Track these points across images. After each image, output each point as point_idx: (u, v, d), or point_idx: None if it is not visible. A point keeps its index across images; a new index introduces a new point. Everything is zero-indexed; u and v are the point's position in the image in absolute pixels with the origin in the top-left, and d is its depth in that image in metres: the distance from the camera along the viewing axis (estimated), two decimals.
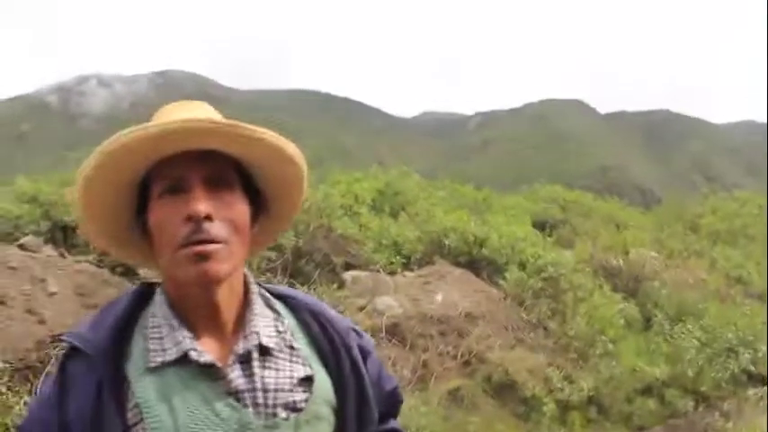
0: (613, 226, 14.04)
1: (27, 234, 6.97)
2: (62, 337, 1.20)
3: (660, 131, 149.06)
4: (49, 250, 6.80)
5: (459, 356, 6.90)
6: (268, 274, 6.60)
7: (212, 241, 1.13)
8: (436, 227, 9.22)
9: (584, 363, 7.52)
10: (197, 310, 1.19)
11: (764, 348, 8.42)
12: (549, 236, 11.30)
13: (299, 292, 1.38)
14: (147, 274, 5.69)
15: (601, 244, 10.64)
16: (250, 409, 1.15)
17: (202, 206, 1.12)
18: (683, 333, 8.41)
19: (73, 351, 1.17)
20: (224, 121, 1.16)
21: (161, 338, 1.17)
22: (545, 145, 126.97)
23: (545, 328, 7.86)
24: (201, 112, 1.23)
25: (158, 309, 1.20)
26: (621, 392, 7.41)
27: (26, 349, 5.23)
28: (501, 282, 8.31)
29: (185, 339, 1.16)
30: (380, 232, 8.85)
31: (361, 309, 7.18)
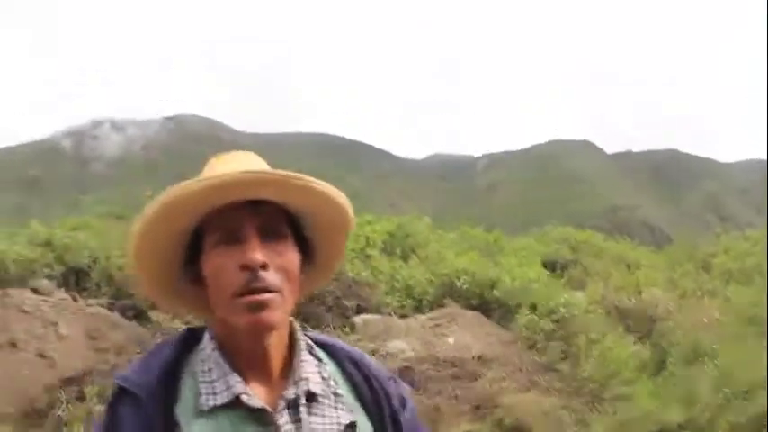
0: (624, 266, 13.97)
1: (41, 278, 7.02)
2: (115, 380, 1.21)
3: (667, 171, 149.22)
4: (61, 293, 6.85)
5: (472, 400, 6.84)
6: None
7: (267, 290, 1.16)
8: (447, 269, 9.22)
9: (597, 405, 7.42)
10: (247, 355, 1.22)
11: None
12: (561, 277, 11.27)
13: (339, 341, 1.42)
14: (158, 318, 5.73)
15: (612, 284, 10.59)
16: None
17: (258, 255, 1.15)
18: (698, 375, 8.30)
19: (122, 393, 1.19)
20: (277, 171, 1.19)
21: (212, 382, 1.19)
22: (553, 186, 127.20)
23: (557, 371, 7.78)
24: (253, 162, 1.28)
25: (209, 353, 1.22)
26: None
27: (34, 394, 5.23)
28: (512, 324, 8.26)
29: (237, 384, 1.18)
30: (391, 275, 8.85)
31: (373, 352, 7.14)
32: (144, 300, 6.33)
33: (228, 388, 1.17)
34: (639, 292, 10.32)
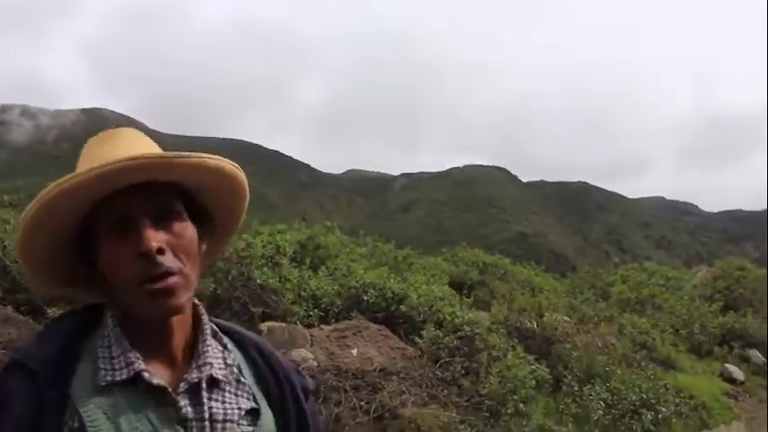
0: (529, 290, 14.39)
1: None
2: (8, 353, 1.19)
3: (577, 202, 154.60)
4: None
5: (371, 411, 6.87)
6: None
7: (168, 274, 1.14)
8: (356, 282, 9.25)
9: (495, 421, 7.60)
10: (149, 335, 1.20)
11: (665, 410, 8.75)
12: (467, 297, 11.48)
13: (244, 329, 1.41)
14: (55, 313, 5.51)
15: (516, 306, 10.86)
16: None
17: (153, 242, 1.13)
18: (590, 394, 8.63)
19: (13, 366, 1.14)
20: (167, 154, 1.17)
21: (111, 358, 1.16)
22: (467, 209, 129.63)
23: (459, 386, 7.92)
24: (134, 141, 1.25)
25: (109, 330, 1.20)
26: None
27: None
28: (417, 339, 8.37)
29: (137, 360, 1.16)
30: (300, 284, 8.81)
31: None
32: (41, 295, 6.10)
33: (128, 365, 1.15)
34: (541, 315, 10.62)
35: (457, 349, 8.24)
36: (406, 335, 8.70)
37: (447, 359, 8.10)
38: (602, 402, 8.47)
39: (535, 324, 10.23)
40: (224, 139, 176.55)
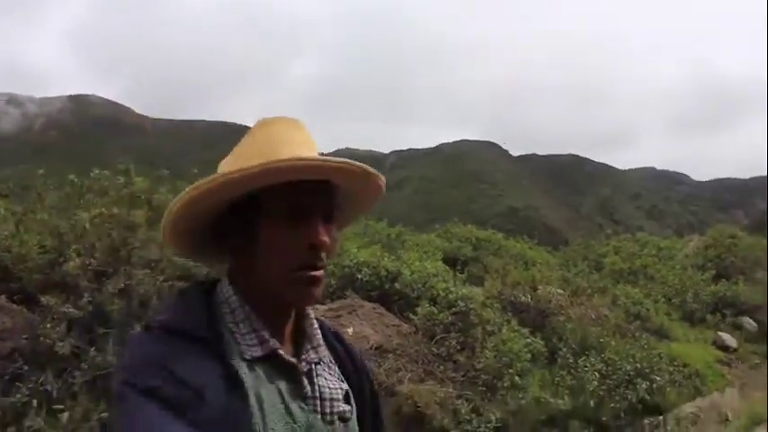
0: (522, 264, 14.43)
1: None
2: (167, 323, 1.19)
3: (568, 174, 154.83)
4: None
5: None
6: None
7: (322, 267, 1.25)
8: (349, 261, 9.25)
9: (491, 395, 7.65)
10: (273, 313, 1.28)
11: (659, 379, 8.84)
12: (461, 272, 11.51)
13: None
14: (49, 302, 5.47)
15: (510, 281, 10.90)
16: (318, 415, 1.26)
17: (326, 238, 1.23)
18: (585, 366, 8.70)
19: (172, 336, 1.17)
20: (357, 164, 1.26)
21: (244, 335, 1.23)
22: (459, 185, 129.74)
23: (454, 362, 7.96)
24: (306, 139, 1.30)
25: (235, 308, 1.25)
26: (527, 424, 7.58)
27: None
28: (412, 316, 8.39)
29: (271, 339, 1.24)
30: None
31: None
32: (34, 284, 6.05)
33: (262, 342, 1.22)
34: (535, 289, 10.67)
35: (452, 325, 8.27)
36: (401, 312, 8.73)
37: (442, 335, 8.13)
38: (596, 373, 8.54)
39: (529, 297, 10.28)
40: (213, 121, 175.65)
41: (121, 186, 7.30)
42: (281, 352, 1.23)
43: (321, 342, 1.33)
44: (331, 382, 1.32)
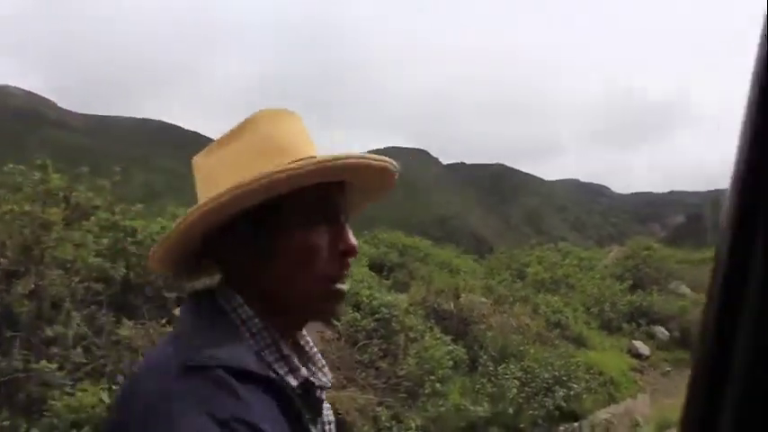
0: (447, 272, 14.59)
1: None
2: (225, 363, 0.96)
3: (496, 184, 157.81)
4: None
5: None
6: (93, 307, 6.24)
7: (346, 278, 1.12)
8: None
9: (413, 402, 7.69)
10: (287, 331, 1.12)
11: (576, 386, 9.07)
12: (386, 278, 11.54)
13: None
14: None
15: (434, 288, 11.00)
16: None
17: (356, 243, 1.11)
18: (505, 374, 8.86)
19: (234, 376, 0.95)
20: (386, 159, 1.14)
21: (274, 362, 1.06)
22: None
23: (377, 368, 7.97)
24: (305, 129, 1.18)
25: (260, 330, 1.06)
26: (447, 431, 7.66)
27: None
28: (335, 322, 8.36)
29: (302, 368, 1.08)
30: None
31: None
32: None
33: (293, 371, 1.06)
34: (458, 297, 10.80)
35: (374, 331, 8.28)
36: None
37: (365, 341, 8.13)
38: (516, 381, 8.71)
39: (452, 305, 10.40)
40: (141, 119, 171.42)
41: (37, 182, 7.01)
42: (312, 380, 1.09)
43: (324, 362, 1.19)
44: (325, 403, 1.18)
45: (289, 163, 1.05)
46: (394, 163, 1.17)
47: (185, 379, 0.92)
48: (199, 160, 1.19)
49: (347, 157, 1.07)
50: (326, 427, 1.16)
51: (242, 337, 1.04)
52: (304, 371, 1.07)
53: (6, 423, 4.89)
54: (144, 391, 0.95)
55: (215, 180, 1.09)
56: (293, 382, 1.05)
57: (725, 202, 0.65)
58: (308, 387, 1.08)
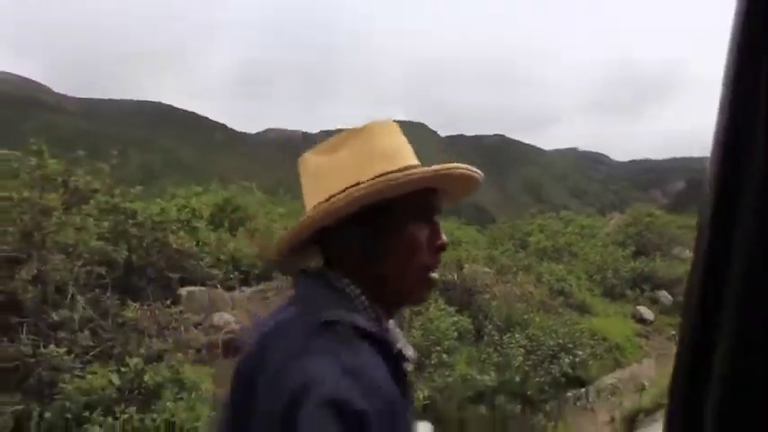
0: (450, 243, 14.58)
1: None
2: (349, 322, 1.13)
3: (495, 155, 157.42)
4: None
5: None
6: (97, 291, 6.25)
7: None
8: (275, 242, 9.15)
9: (419, 373, 7.73)
10: (388, 308, 1.28)
11: (581, 353, 9.11)
12: None
13: None
14: None
15: None
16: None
17: (446, 239, 1.29)
18: (511, 342, 8.89)
19: (350, 336, 1.12)
20: (478, 172, 1.31)
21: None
22: None
23: None
24: (405, 141, 1.34)
25: (367, 308, 1.23)
26: (454, 400, 7.70)
27: None
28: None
29: (397, 342, 1.26)
30: (218, 247, 8.64)
31: (197, 325, 6.97)
32: None
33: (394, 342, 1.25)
34: (461, 268, 10.81)
35: None
36: None
37: None
38: (521, 349, 8.74)
39: (456, 276, 10.40)
40: (138, 101, 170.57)
41: (34, 168, 6.98)
42: (404, 351, 1.26)
43: (407, 341, 1.33)
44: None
45: (398, 170, 1.23)
46: (481, 173, 1.33)
47: (317, 334, 1.10)
48: (307, 159, 1.33)
49: (456, 168, 1.25)
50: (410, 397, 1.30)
51: (357, 308, 1.20)
52: (399, 343, 1.25)
53: (20, 407, 4.92)
54: (280, 346, 1.11)
55: (328, 180, 1.26)
56: (394, 350, 1.21)
57: (708, 169, 0.64)
58: (400, 357, 1.24)
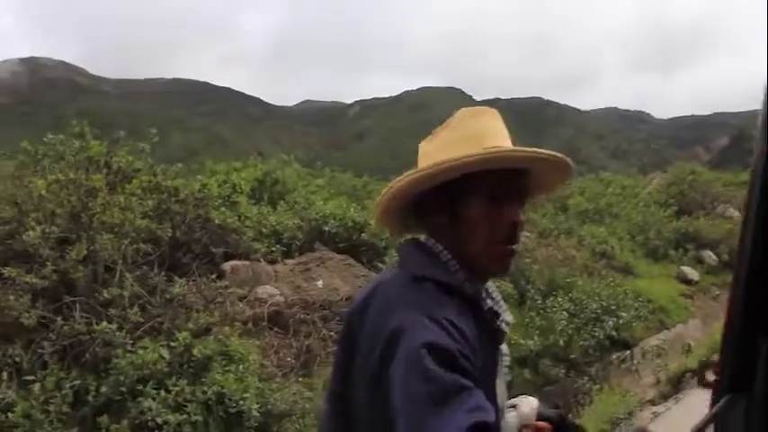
0: None
1: None
2: (439, 278, 1.32)
3: (532, 117, 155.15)
4: None
5: None
6: (144, 268, 6.40)
7: (516, 243, 1.42)
8: (316, 214, 9.22)
9: None
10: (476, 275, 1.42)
11: (625, 315, 9.05)
12: None
13: None
14: (9, 273, 5.38)
15: None
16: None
17: (523, 218, 1.41)
18: (554, 306, 8.86)
19: (440, 292, 1.28)
20: (564, 158, 1.43)
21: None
22: (423, 132, 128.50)
23: None
24: (504, 129, 1.48)
25: (457, 270, 1.38)
26: None
27: None
28: (381, 265, 8.43)
29: (488, 300, 1.43)
30: (260, 221, 8.74)
31: (242, 299, 7.09)
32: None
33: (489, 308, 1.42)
34: None
35: None
36: (370, 262, 8.76)
37: None
38: (565, 313, 8.72)
39: None
40: (173, 79, 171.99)
41: (78, 150, 7.13)
42: (496, 309, 1.42)
43: (506, 306, 1.47)
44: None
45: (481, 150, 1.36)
46: (568, 159, 1.45)
47: (409, 287, 1.30)
48: (422, 145, 1.52)
49: (521, 150, 1.38)
50: (503, 358, 1.46)
51: (448, 270, 1.37)
52: (489, 302, 1.42)
53: (77, 382, 5.10)
54: (382, 293, 1.33)
55: (428, 159, 1.43)
56: (484, 306, 1.39)
57: (759, 122, 0.63)
58: (491, 316, 1.41)
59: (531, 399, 1.52)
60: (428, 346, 1.14)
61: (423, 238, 1.44)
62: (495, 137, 1.43)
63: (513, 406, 1.48)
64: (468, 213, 1.38)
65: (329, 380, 1.43)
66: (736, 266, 0.71)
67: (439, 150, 1.42)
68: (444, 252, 1.39)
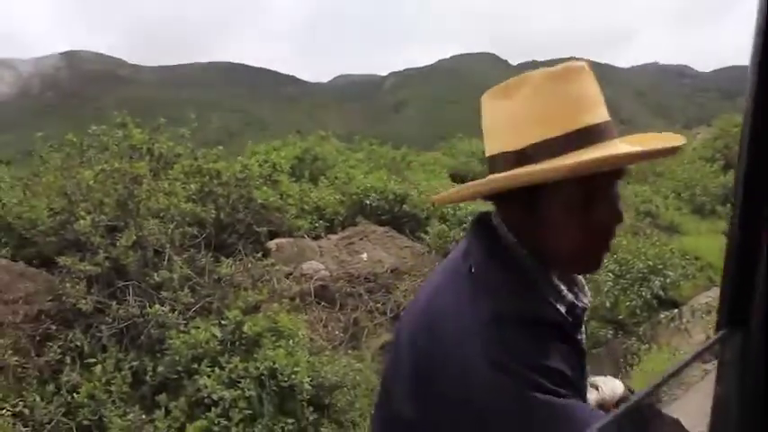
0: None
1: None
2: (521, 313, 1.12)
3: None
4: None
5: (388, 311, 7.06)
6: (192, 250, 6.55)
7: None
8: (356, 188, 9.29)
9: None
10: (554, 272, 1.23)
11: (672, 274, 8.94)
12: None
13: None
14: (66, 262, 5.57)
15: None
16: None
17: (624, 212, 1.21)
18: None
19: (528, 328, 1.11)
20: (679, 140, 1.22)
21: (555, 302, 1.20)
22: (460, 100, 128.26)
23: None
24: (599, 92, 1.24)
25: (528, 268, 1.19)
26: None
27: None
28: (423, 236, 8.47)
29: (568, 293, 1.21)
30: (301, 198, 8.86)
31: (289, 275, 7.22)
32: (49, 247, 6.14)
33: (561, 297, 1.20)
34: None
35: None
36: (412, 233, 8.81)
37: None
38: (611, 273, 8.65)
39: None
40: (208, 63, 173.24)
41: (121, 140, 7.31)
42: (575, 302, 1.21)
43: (584, 284, 1.32)
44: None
45: (588, 147, 1.12)
46: (677, 140, 1.22)
47: (488, 330, 1.08)
48: (490, 102, 1.25)
49: (643, 152, 1.17)
50: (582, 337, 1.25)
51: (523, 271, 1.17)
52: (570, 296, 1.20)
53: (135, 363, 5.30)
54: (453, 321, 1.13)
55: (517, 126, 1.17)
56: (562, 308, 1.17)
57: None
58: (572, 307, 1.21)
59: (617, 383, 1.44)
60: (537, 386, 1.03)
61: (496, 222, 1.22)
62: (595, 108, 1.19)
63: (596, 387, 1.41)
64: (552, 213, 1.16)
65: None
66: (734, 203, 0.74)
67: (536, 118, 1.14)
68: (518, 249, 1.19)
